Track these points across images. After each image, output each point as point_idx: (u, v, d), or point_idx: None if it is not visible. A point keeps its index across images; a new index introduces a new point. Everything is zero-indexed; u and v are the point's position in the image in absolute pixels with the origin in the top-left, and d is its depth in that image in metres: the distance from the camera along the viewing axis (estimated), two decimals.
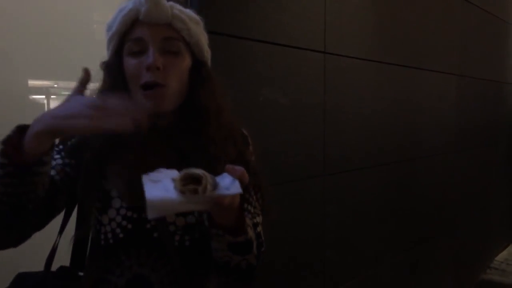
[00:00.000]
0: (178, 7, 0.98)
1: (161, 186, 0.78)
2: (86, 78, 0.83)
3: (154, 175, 0.82)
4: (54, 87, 1.56)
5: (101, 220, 0.99)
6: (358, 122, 2.47)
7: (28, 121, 1.40)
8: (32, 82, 1.51)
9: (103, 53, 1.56)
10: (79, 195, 0.98)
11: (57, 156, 1.00)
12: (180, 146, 0.99)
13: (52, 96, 1.55)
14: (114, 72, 0.97)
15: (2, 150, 0.78)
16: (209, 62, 1.07)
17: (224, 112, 1.04)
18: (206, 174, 0.79)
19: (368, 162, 2.56)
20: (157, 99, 0.95)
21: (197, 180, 0.78)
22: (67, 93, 1.60)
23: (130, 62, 0.95)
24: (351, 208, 2.44)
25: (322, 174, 2.22)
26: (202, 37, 1.02)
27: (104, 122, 0.73)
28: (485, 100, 4.27)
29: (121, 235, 0.98)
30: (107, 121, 0.73)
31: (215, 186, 0.80)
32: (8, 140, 0.79)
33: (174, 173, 0.82)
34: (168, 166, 0.90)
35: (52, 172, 0.96)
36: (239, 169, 0.82)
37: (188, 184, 0.78)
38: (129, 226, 0.98)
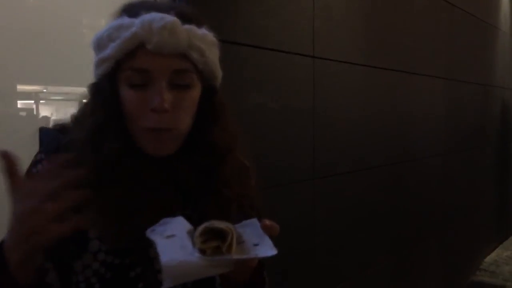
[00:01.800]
0: (195, 31, 0.80)
1: (177, 244, 0.66)
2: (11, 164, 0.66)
3: (161, 228, 0.69)
4: (44, 92, 1.55)
5: (73, 267, 0.80)
6: (348, 126, 2.49)
7: (17, 126, 1.39)
8: (20, 87, 1.50)
9: (92, 58, 1.57)
10: None
11: None
12: (180, 182, 0.84)
13: (41, 101, 1.53)
14: (109, 102, 0.80)
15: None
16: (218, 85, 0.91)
17: (237, 148, 0.90)
18: (231, 227, 0.68)
19: (357, 165, 2.58)
20: (163, 144, 0.80)
21: (218, 234, 0.66)
22: (56, 98, 1.59)
23: (130, 96, 0.78)
24: (341, 211, 2.45)
25: (312, 177, 2.23)
26: (217, 62, 0.86)
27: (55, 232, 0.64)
28: (472, 103, 4.32)
29: (96, 286, 0.79)
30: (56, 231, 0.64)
31: (239, 240, 0.69)
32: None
33: (184, 224, 0.71)
34: (162, 202, 0.80)
35: None
36: (276, 227, 0.74)
37: (209, 240, 0.66)
38: (108, 274, 0.79)
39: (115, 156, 0.78)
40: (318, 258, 2.29)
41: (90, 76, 1.58)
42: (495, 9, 4.92)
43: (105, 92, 0.80)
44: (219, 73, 0.87)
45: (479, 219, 4.63)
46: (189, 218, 0.75)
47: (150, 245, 0.73)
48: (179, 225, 0.70)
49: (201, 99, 0.84)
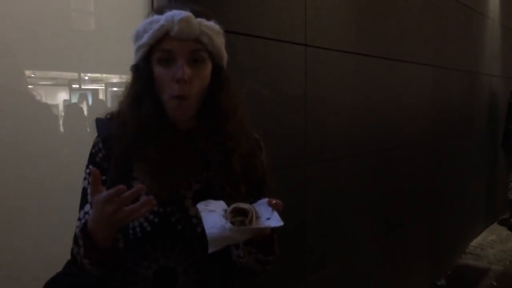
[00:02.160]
0: (205, 22, 1.06)
1: (216, 217, 0.93)
2: (96, 179, 0.92)
3: (205, 203, 0.98)
4: (31, 77, 1.54)
5: None
6: (338, 113, 2.53)
7: (6, 108, 1.39)
8: None
9: (81, 43, 1.58)
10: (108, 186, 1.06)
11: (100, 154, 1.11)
12: (201, 145, 1.11)
13: (29, 86, 1.52)
14: (145, 77, 1.07)
15: (91, 263, 0.99)
16: (225, 65, 1.16)
17: (239, 109, 1.15)
18: (251, 207, 0.96)
19: (347, 151, 2.63)
20: (182, 110, 1.07)
21: (243, 212, 0.94)
22: (45, 83, 1.58)
23: (160, 71, 1.05)
24: (332, 195, 2.51)
25: (303, 163, 2.28)
26: (222, 46, 1.12)
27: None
28: (460, 90, 4.37)
29: (148, 229, 1.07)
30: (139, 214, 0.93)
31: (256, 215, 0.95)
32: (89, 249, 0.97)
33: (222, 204, 0.99)
34: (190, 165, 1.09)
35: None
36: (280, 203, 0.97)
37: (237, 216, 0.94)
38: (156, 219, 1.07)
39: (150, 115, 1.05)
40: (309, 241, 2.35)
41: (78, 61, 1.59)
42: None
43: (142, 70, 1.07)
44: (224, 55, 1.13)
45: (466, 204, 4.72)
46: (213, 179, 1.11)
47: (185, 198, 1.09)
48: (218, 205, 0.98)
49: (212, 75, 1.10)
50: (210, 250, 0.91)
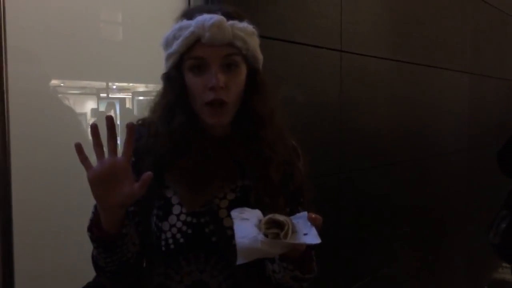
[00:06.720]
0: (237, 25, 0.99)
1: (248, 226, 0.87)
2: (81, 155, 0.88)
3: (240, 210, 0.92)
4: (61, 86, 1.56)
5: (161, 227, 1.02)
6: (373, 120, 2.48)
7: (39, 120, 1.41)
8: None
9: (109, 53, 1.60)
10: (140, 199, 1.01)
11: None
12: (236, 153, 1.05)
13: (59, 95, 1.54)
14: (177, 86, 1.02)
15: (90, 237, 0.93)
16: (261, 67, 1.09)
17: (276, 115, 1.08)
18: (288, 220, 0.87)
19: (383, 160, 2.57)
20: (220, 116, 1.00)
21: (279, 225, 0.86)
22: (74, 92, 1.60)
23: (193, 80, 0.99)
24: (366, 206, 2.45)
25: (338, 172, 2.23)
26: (257, 48, 1.05)
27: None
28: (497, 98, 4.26)
29: (181, 240, 1.01)
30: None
31: (293, 230, 0.87)
32: (92, 223, 0.92)
33: (257, 213, 0.92)
34: (224, 173, 1.04)
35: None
36: (319, 218, 0.90)
37: (271, 228, 0.86)
38: (189, 231, 1.01)
39: (182, 126, 1.00)
40: (343, 252, 2.29)
41: (106, 71, 1.60)
42: None
43: (173, 79, 1.02)
44: (259, 56, 1.07)
45: None
46: (248, 188, 1.04)
47: (219, 208, 1.03)
48: (253, 214, 0.91)
49: (247, 79, 1.04)
50: (239, 261, 0.84)
